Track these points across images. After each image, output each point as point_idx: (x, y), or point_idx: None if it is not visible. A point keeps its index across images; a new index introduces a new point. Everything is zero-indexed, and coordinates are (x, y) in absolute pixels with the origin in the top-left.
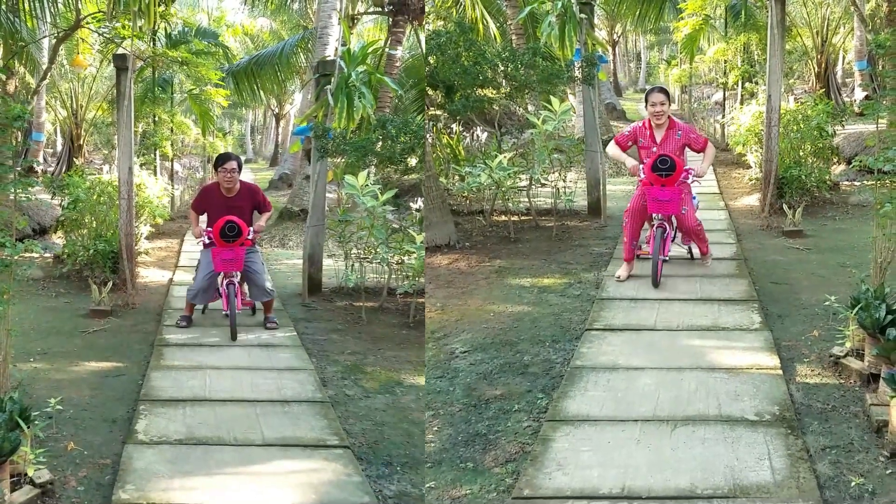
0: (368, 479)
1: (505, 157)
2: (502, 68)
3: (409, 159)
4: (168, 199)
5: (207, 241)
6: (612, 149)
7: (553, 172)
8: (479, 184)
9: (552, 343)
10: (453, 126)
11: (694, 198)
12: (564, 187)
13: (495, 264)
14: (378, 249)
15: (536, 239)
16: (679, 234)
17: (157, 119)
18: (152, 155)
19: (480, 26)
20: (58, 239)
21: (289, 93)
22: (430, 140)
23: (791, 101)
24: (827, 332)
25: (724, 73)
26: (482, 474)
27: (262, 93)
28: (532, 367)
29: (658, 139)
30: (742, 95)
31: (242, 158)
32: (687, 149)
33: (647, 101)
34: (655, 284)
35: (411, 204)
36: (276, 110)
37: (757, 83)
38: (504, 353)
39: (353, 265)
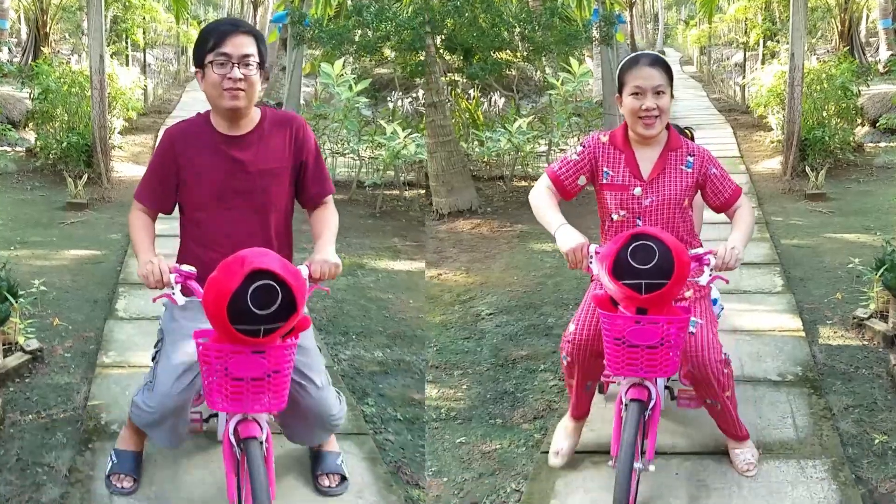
0: (326, 346)
1: (524, 121)
2: (519, 30)
3: (384, 48)
4: (141, 91)
5: (182, 300)
6: (539, 194)
7: (572, 136)
8: (499, 149)
9: (575, 305)
10: (471, 91)
11: (715, 301)
12: None
13: (517, 229)
14: (350, 142)
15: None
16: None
17: (127, 3)
18: (123, 44)
19: None
20: (28, 133)
21: None
22: (448, 105)
23: (814, 61)
24: (850, 295)
25: (745, 32)
26: (511, 430)
27: None
28: (556, 328)
29: (645, 172)
30: (763, 55)
31: None
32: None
33: (623, 82)
34: None
35: (387, 98)
36: None
37: (778, 42)
38: (528, 315)
39: (325, 158)
